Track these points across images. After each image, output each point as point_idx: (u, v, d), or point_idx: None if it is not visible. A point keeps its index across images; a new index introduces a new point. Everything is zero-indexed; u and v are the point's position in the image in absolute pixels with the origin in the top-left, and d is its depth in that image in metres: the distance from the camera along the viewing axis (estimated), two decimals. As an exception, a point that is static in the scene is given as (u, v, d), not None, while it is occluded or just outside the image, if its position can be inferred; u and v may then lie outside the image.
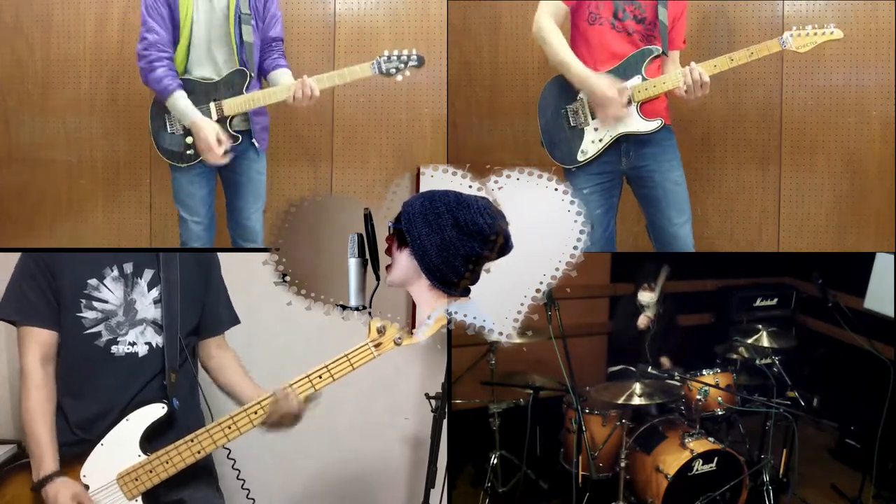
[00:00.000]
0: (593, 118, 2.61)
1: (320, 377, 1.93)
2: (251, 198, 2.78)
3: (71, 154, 3.18)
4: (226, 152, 2.60)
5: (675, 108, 2.72)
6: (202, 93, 2.62)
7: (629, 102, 2.55)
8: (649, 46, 2.58)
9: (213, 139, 2.57)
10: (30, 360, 2.00)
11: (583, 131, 2.62)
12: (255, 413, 1.96)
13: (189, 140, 2.62)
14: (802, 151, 3.14)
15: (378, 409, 2.77)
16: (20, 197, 3.20)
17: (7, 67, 3.16)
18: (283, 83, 2.66)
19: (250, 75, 2.63)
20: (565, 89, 2.64)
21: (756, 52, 2.55)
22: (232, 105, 2.62)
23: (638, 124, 2.58)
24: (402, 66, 2.60)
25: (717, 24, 3.10)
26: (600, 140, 2.61)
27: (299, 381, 1.94)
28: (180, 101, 2.58)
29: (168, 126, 2.64)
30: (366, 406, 2.74)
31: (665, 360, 3.50)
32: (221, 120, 2.62)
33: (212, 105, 2.61)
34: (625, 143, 2.63)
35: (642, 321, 3.48)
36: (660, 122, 2.58)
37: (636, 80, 2.57)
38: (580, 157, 2.63)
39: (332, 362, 1.92)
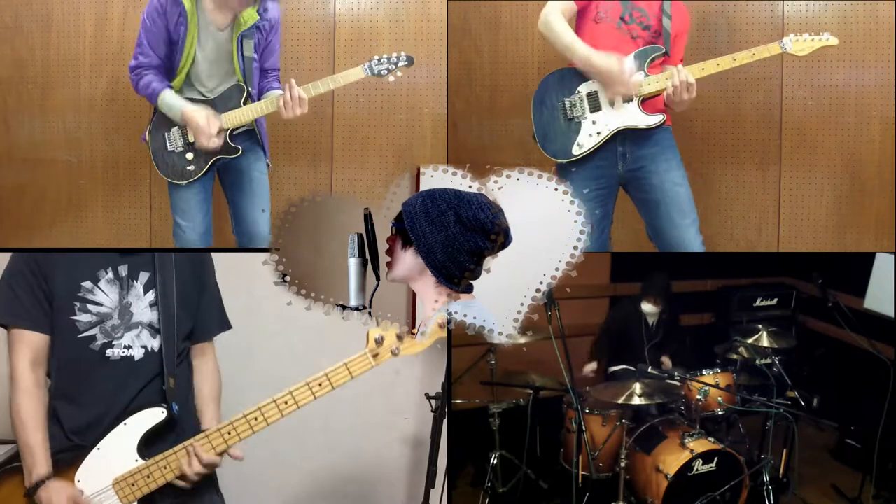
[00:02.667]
0: (592, 111, 2.59)
1: (320, 385, 1.91)
2: (256, 199, 2.78)
3: (71, 154, 3.18)
4: (219, 133, 2.64)
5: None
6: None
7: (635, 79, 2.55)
8: (654, 45, 2.58)
9: (203, 122, 2.61)
10: (20, 363, 1.95)
11: (580, 124, 2.60)
12: (256, 419, 1.93)
13: (189, 156, 2.67)
14: (802, 151, 3.14)
15: (378, 410, 2.77)
16: (20, 197, 3.20)
17: (7, 67, 3.16)
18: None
19: (248, 91, 2.66)
20: (564, 82, 2.63)
21: (758, 54, 2.57)
22: (229, 118, 2.65)
23: (639, 119, 2.57)
24: (393, 66, 2.64)
25: (717, 24, 3.10)
26: (598, 133, 2.58)
27: (299, 388, 1.92)
28: (168, 97, 2.64)
29: (168, 143, 2.69)
30: (366, 406, 2.74)
31: (666, 360, 3.50)
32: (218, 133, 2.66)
33: None
34: (621, 146, 2.61)
35: (589, 369, 3.50)
36: (662, 116, 2.57)
37: (639, 76, 2.56)
38: (575, 151, 2.59)
39: (332, 370, 1.90)
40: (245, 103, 2.66)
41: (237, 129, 2.69)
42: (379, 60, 2.63)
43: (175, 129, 2.68)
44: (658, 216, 2.65)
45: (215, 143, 2.64)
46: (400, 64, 2.63)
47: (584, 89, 2.61)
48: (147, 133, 2.72)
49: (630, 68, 2.53)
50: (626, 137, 2.60)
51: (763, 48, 2.56)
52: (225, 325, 2.25)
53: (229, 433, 1.93)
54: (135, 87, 2.70)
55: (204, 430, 1.98)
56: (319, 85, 2.62)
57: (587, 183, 2.61)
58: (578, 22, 2.64)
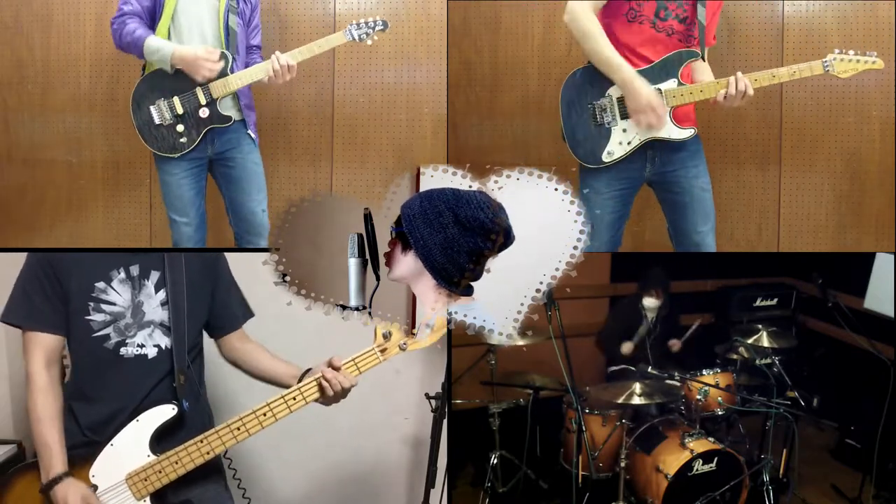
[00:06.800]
0: (623, 118, 2.50)
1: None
2: (253, 190, 2.80)
3: (71, 154, 3.18)
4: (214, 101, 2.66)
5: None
6: (187, 80, 2.65)
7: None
8: (689, 49, 2.50)
9: (201, 52, 2.61)
10: (34, 364, 1.99)
11: (610, 130, 2.51)
12: (265, 415, 1.95)
13: (180, 128, 2.66)
14: (802, 151, 3.14)
15: (378, 410, 2.77)
16: (20, 197, 3.20)
17: (7, 67, 3.16)
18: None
19: (233, 57, 2.67)
20: (593, 83, 2.52)
21: (798, 73, 2.46)
22: (217, 86, 2.65)
23: (671, 131, 2.49)
24: (371, 30, 2.71)
25: (717, 23, 3.09)
26: (629, 143, 2.50)
27: (308, 383, 1.95)
28: (155, 41, 2.62)
29: (154, 117, 2.67)
30: (366, 406, 2.73)
31: (674, 343, 3.53)
32: (210, 103, 2.67)
33: (198, 89, 2.65)
34: (651, 149, 2.54)
35: (627, 349, 3.52)
36: (693, 130, 2.51)
37: (671, 84, 2.48)
38: (606, 158, 2.51)
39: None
40: (230, 72, 2.67)
41: (223, 97, 2.68)
42: (357, 25, 2.70)
43: (161, 102, 2.66)
44: (683, 218, 2.63)
45: (218, 68, 2.62)
46: (377, 28, 2.71)
47: (613, 93, 2.51)
48: (130, 109, 2.70)
49: (664, 106, 2.46)
50: (655, 142, 2.52)
51: (805, 67, 2.46)
52: (248, 313, 2.28)
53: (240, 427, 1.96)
54: (118, 38, 2.65)
55: (297, 370, 2.06)
56: (304, 51, 2.67)
57: (612, 183, 2.56)
58: (604, 17, 2.50)
